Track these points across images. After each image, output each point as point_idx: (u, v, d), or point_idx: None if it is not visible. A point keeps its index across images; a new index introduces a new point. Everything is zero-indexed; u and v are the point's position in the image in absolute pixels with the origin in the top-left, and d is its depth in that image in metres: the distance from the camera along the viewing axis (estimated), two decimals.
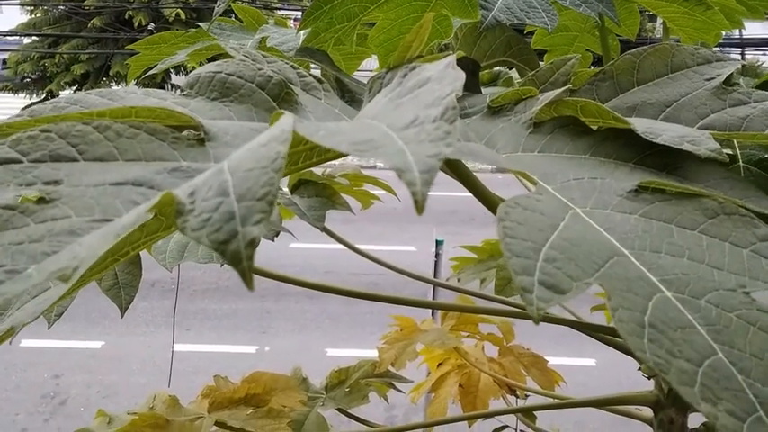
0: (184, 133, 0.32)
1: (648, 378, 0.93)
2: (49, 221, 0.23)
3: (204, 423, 1.03)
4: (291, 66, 0.40)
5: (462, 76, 0.25)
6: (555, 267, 0.24)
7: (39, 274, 0.21)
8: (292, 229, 1.18)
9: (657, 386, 0.88)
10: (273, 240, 1.05)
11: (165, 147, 0.29)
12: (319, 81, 0.40)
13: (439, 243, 4.43)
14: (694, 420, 0.87)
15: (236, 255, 0.20)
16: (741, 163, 0.54)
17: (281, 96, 0.36)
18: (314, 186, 1.19)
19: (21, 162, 0.27)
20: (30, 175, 0.26)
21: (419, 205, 0.19)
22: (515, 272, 0.23)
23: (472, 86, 0.50)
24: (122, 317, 0.70)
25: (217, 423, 1.04)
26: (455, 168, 0.33)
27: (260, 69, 0.37)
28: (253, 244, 0.20)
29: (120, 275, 0.72)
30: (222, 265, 0.91)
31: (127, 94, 0.37)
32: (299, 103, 0.36)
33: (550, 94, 0.38)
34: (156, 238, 0.38)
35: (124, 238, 0.27)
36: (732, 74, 0.42)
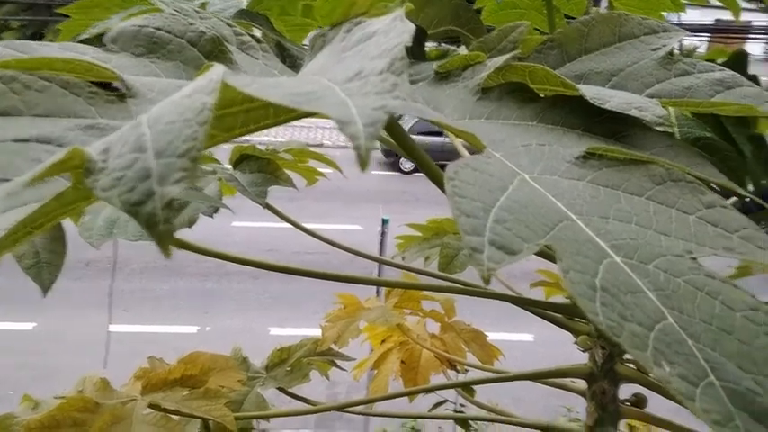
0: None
1: (583, 351, 0.96)
2: None
3: (137, 405, 0.99)
4: (227, 23, 0.37)
5: (411, 27, 0.24)
6: (505, 228, 0.23)
7: None
8: (235, 207, 1.14)
9: (591, 359, 0.90)
10: (212, 217, 1.01)
11: (81, 102, 0.27)
12: (257, 41, 0.37)
13: (385, 222, 4.45)
14: (625, 391, 0.91)
15: (152, 218, 0.17)
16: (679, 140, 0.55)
17: (213, 54, 0.33)
18: (257, 161, 1.15)
19: None
20: None
21: (362, 161, 0.18)
22: (465, 231, 0.22)
23: (419, 54, 0.48)
24: (44, 296, 0.66)
25: (150, 405, 1.00)
26: (393, 131, 0.31)
27: (191, 24, 0.34)
28: (171, 206, 0.17)
29: (41, 253, 0.67)
30: (149, 246, 0.86)
31: (41, 47, 0.33)
32: (234, 62, 0.33)
33: (498, 60, 0.36)
34: (75, 208, 0.35)
35: (38, 208, 0.24)
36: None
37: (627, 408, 0.88)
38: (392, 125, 0.31)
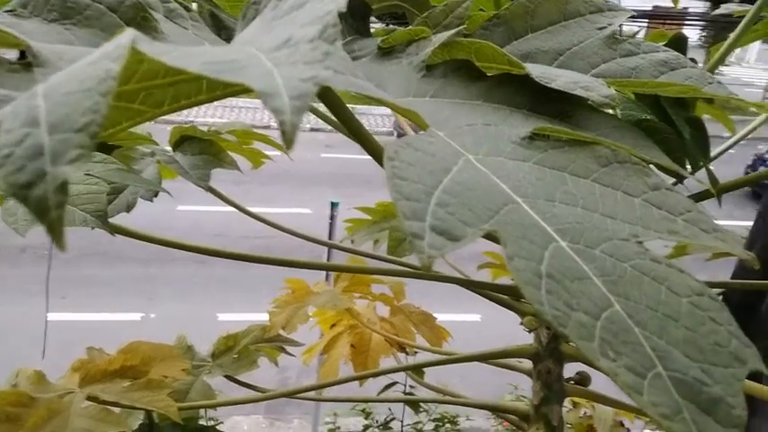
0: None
1: (529, 332, 0.97)
2: None
3: (74, 398, 0.94)
4: None
5: None
6: (447, 212, 0.22)
7: None
8: (180, 190, 1.09)
9: (537, 339, 0.91)
10: (152, 201, 0.97)
11: None
12: (187, 9, 0.35)
13: (334, 205, 4.41)
14: (570, 370, 0.93)
15: (42, 203, 0.15)
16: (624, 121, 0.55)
17: (136, 21, 0.30)
18: (198, 143, 1.11)
19: None
20: None
21: (287, 138, 0.16)
22: (405, 215, 0.21)
23: (362, 30, 0.46)
24: None
25: (89, 398, 0.96)
26: (329, 101, 0.29)
27: None
28: (64, 189, 0.15)
29: None
30: (93, 228, 0.82)
31: None
32: (159, 30, 0.31)
33: (443, 35, 0.35)
34: None
35: None
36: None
37: (571, 386, 0.89)
38: (327, 93, 0.29)
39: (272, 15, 0.26)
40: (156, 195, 0.97)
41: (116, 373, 1.09)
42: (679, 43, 0.67)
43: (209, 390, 1.30)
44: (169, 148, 1.08)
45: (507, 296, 0.93)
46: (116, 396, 1.03)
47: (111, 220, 0.85)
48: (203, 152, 1.09)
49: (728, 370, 0.20)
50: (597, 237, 0.23)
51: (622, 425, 1.22)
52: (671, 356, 0.20)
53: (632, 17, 0.44)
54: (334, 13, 0.20)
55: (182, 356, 1.21)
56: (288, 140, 0.16)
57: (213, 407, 1.22)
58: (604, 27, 0.39)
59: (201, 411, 1.37)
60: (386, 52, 0.38)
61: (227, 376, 1.33)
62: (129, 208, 0.92)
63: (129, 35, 0.18)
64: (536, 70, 0.33)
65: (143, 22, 0.30)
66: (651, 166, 0.30)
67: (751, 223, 0.87)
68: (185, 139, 1.10)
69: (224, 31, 0.41)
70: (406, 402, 1.43)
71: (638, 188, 0.26)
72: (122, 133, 1.00)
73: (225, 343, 1.38)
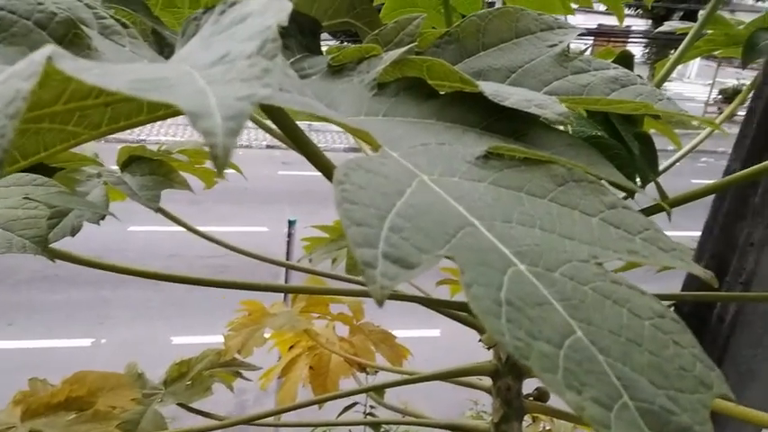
0: None
1: (488, 349, 0.97)
2: None
3: None
4: (86, 4, 0.32)
5: (288, 5, 0.21)
6: (401, 238, 0.20)
7: None
8: (131, 211, 1.05)
9: (496, 356, 0.91)
10: (98, 224, 0.93)
11: None
12: (124, 26, 0.33)
13: (291, 223, 4.37)
14: (529, 386, 0.93)
15: None
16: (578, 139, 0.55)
17: (67, 38, 0.28)
18: (147, 163, 1.07)
19: None
20: None
21: (219, 163, 0.14)
22: (355, 243, 0.19)
23: (313, 47, 0.45)
24: None
25: None
26: (277, 119, 0.28)
27: (40, 4, 0.29)
28: None
29: None
30: (35, 255, 0.78)
31: None
32: (92, 48, 0.29)
33: (395, 53, 0.34)
34: None
35: None
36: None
37: (530, 402, 0.89)
38: (275, 111, 0.28)
39: (212, 31, 0.24)
40: (102, 218, 0.93)
41: (60, 406, 1.04)
42: (626, 60, 0.68)
43: (160, 419, 1.25)
44: (116, 168, 1.05)
45: (466, 313, 0.93)
46: (61, 430, 0.99)
47: (56, 244, 0.81)
48: (153, 173, 1.06)
49: (695, 396, 0.19)
50: (556, 259, 0.22)
51: None
52: (637, 385, 0.19)
53: (579, 35, 0.44)
54: (274, 27, 0.19)
55: (131, 385, 1.17)
56: (220, 165, 0.14)
57: None
58: (555, 44, 0.39)
59: None
60: (336, 70, 0.37)
61: (180, 404, 1.28)
62: (73, 232, 0.88)
63: (44, 51, 0.16)
64: (489, 88, 0.32)
65: (75, 39, 0.28)
66: (603, 181, 0.29)
67: (698, 234, 0.90)
68: (134, 160, 1.07)
69: (167, 49, 0.39)
70: (368, 425, 1.40)
71: (594, 207, 0.26)
72: (65, 154, 0.96)
73: (178, 369, 1.34)
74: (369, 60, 0.36)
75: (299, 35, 0.42)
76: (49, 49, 0.16)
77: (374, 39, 0.40)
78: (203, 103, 0.15)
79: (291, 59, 0.40)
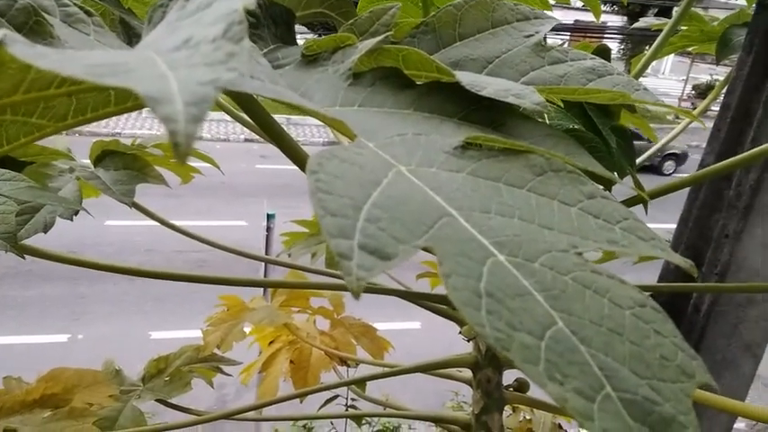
0: None
1: (468, 341, 0.97)
2: None
3: None
4: None
5: None
6: (378, 228, 0.20)
7: None
8: (107, 206, 1.04)
9: (476, 348, 0.91)
10: (72, 219, 0.91)
11: None
12: (88, 14, 0.32)
13: (270, 217, 4.33)
14: (509, 377, 0.93)
15: None
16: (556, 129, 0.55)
17: (28, 26, 0.27)
18: (121, 158, 1.05)
19: None
20: None
21: (181, 151, 0.14)
22: (330, 234, 0.19)
23: (287, 38, 0.44)
24: None
25: (6, 431, 0.89)
26: (250, 109, 0.27)
27: None
28: None
29: None
30: (7, 252, 0.76)
31: None
32: (54, 36, 0.28)
33: (370, 42, 0.33)
34: None
35: None
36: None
37: (510, 393, 0.90)
38: (248, 101, 0.27)
39: (177, 16, 0.23)
40: (76, 214, 0.91)
41: (36, 403, 1.03)
42: (604, 54, 0.68)
43: (139, 415, 1.24)
44: (89, 163, 1.03)
45: (446, 306, 0.93)
46: (36, 428, 0.97)
47: (30, 240, 0.79)
48: (127, 167, 1.04)
49: (677, 385, 0.19)
50: (536, 249, 0.22)
51: (560, 427, 1.24)
52: (619, 375, 0.19)
53: (555, 31, 0.44)
54: (240, 10, 0.18)
55: (109, 382, 1.15)
56: (181, 154, 0.14)
57: None
58: (532, 35, 0.39)
59: None
60: (311, 60, 0.36)
61: (159, 400, 1.27)
62: (46, 228, 0.86)
63: None
64: (466, 78, 0.32)
65: (36, 26, 0.27)
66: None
67: (673, 226, 0.91)
68: (107, 154, 1.05)
69: (135, 39, 0.38)
70: (349, 417, 1.40)
71: (573, 197, 0.25)
72: (35, 148, 0.94)
73: (156, 365, 1.32)
74: (344, 50, 0.35)
75: (272, 25, 0.41)
76: (1, 32, 0.15)
77: (349, 28, 0.40)
78: (164, 88, 0.15)
79: (265, 50, 0.39)
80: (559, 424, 1.23)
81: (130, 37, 0.39)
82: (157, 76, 0.15)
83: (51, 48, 0.26)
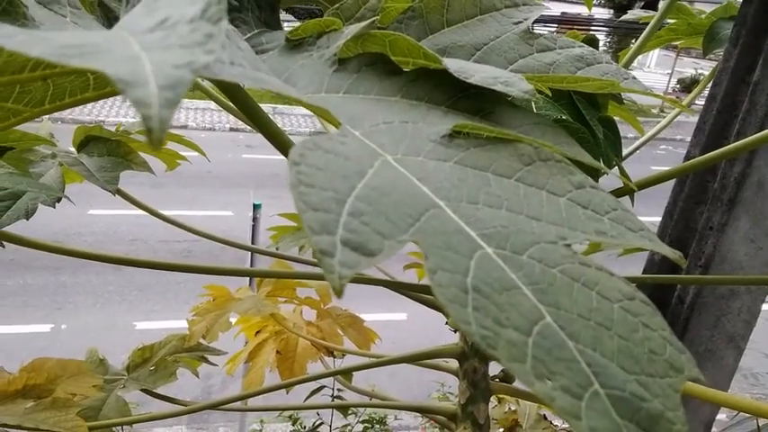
0: None
1: (454, 331, 0.97)
2: None
3: None
4: None
5: None
6: (362, 223, 0.19)
7: None
8: (91, 194, 1.02)
9: (462, 339, 0.91)
10: (54, 207, 0.90)
11: None
12: None
13: (256, 207, 4.30)
14: (495, 367, 0.93)
15: None
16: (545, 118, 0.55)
17: (0, 6, 0.26)
18: (105, 144, 1.03)
19: None
20: None
21: (155, 137, 0.13)
22: (312, 230, 0.18)
23: (271, 22, 0.43)
24: None
25: None
26: (234, 96, 0.26)
27: None
28: None
29: None
30: None
31: None
32: (29, 17, 0.27)
33: (356, 27, 0.33)
34: None
35: None
36: None
37: (496, 383, 0.90)
38: (231, 88, 0.26)
39: None
40: (58, 201, 0.90)
41: (18, 394, 1.01)
42: (592, 44, 0.68)
43: (124, 405, 1.23)
44: (73, 149, 1.01)
45: (432, 296, 0.92)
46: (18, 418, 0.96)
47: (12, 229, 0.78)
48: (111, 153, 1.02)
49: (665, 380, 0.19)
50: (524, 241, 0.21)
51: (545, 418, 1.24)
52: (607, 371, 0.18)
53: (542, 22, 0.44)
54: None
55: (92, 372, 1.14)
56: (155, 140, 0.13)
57: (129, 423, 1.15)
58: (520, 21, 0.38)
59: (118, 428, 1.29)
60: (295, 45, 0.35)
61: (144, 390, 1.26)
62: (28, 215, 0.84)
63: None
64: (454, 65, 0.31)
65: (9, 7, 0.26)
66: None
67: (658, 219, 0.91)
68: (91, 140, 1.03)
69: (114, 21, 0.37)
70: (335, 408, 1.40)
71: (562, 187, 0.25)
72: (15, 133, 0.92)
73: (141, 355, 1.31)
74: (329, 35, 0.34)
75: (256, 9, 0.40)
76: None
77: (335, 13, 0.39)
78: (137, 70, 0.14)
79: (248, 34, 0.38)
80: (545, 415, 1.24)
81: (110, 20, 0.38)
82: (130, 57, 0.14)
83: (21, 28, 0.25)
